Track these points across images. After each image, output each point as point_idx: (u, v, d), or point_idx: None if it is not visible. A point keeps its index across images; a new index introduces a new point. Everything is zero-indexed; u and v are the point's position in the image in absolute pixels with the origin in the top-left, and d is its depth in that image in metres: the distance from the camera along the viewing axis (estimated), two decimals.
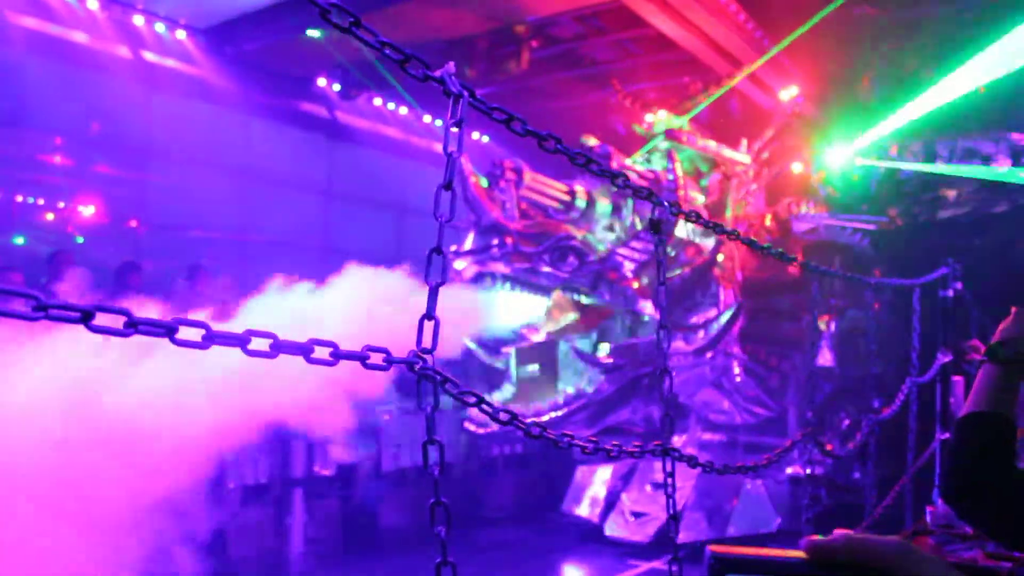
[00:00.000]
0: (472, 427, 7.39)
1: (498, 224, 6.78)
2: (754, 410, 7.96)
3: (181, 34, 9.37)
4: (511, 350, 7.74)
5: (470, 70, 9.26)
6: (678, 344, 7.47)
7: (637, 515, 7.99)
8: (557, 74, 10.29)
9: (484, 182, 7.56)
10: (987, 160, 7.62)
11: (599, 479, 8.54)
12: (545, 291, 7.21)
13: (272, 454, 7.66)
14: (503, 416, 1.78)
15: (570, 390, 7.40)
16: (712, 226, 2.80)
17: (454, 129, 1.62)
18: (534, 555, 7.89)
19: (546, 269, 7.00)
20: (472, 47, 9.34)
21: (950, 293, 5.92)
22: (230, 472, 7.25)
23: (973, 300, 6.15)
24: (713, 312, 7.76)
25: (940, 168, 8.11)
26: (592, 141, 7.74)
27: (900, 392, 5.82)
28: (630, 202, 7.79)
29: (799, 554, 0.70)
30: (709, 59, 8.89)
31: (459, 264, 6.77)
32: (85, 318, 1.20)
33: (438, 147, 1.76)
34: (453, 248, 6.84)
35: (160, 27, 9.22)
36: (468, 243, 6.86)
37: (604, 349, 7.55)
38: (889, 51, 9.06)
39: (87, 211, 9.80)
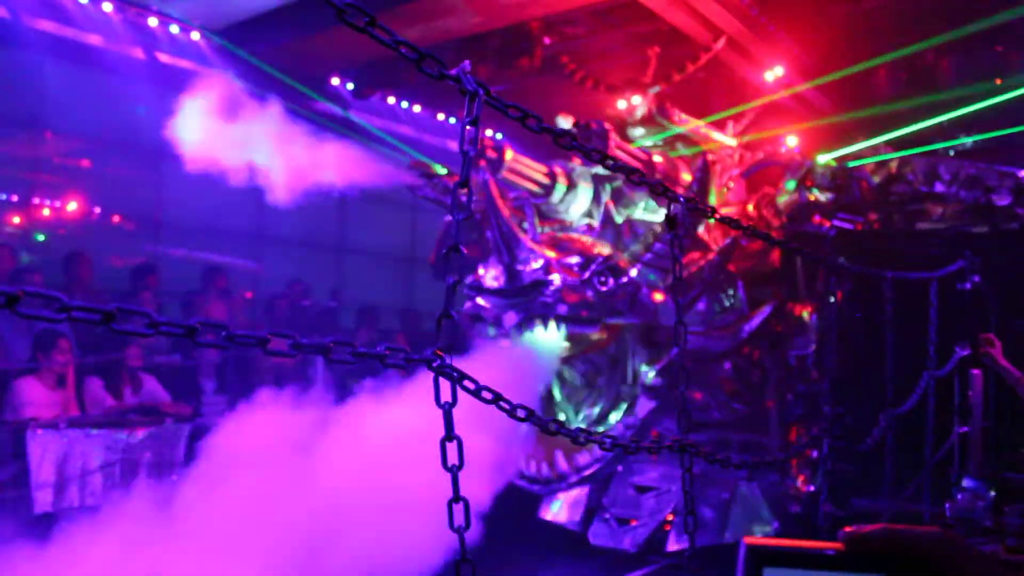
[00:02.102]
0: (526, 483, 6.15)
1: (544, 267, 5.87)
2: (733, 406, 7.41)
3: (195, 35, 9.41)
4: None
5: (482, 68, 9.22)
6: (702, 348, 6.71)
7: (622, 521, 7.41)
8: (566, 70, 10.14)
9: (441, 169, 7.18)
10: (988, 192, 7.36)
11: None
12: (594, 323, 6.20)
13: None
14: (521, 413, 1.78)
15: (614, 417, 6.55)
16: (732, 223, 2.79)
17: (469, 127, 1.62)
18: (516, 568, 6.91)
19: (591, 297, 6.05)
20: (483, 45, 9.30)
21: (968, 286, 5.88)
22: None
23: (992, 294, 6.10)
24: (735, 312, 7.16)
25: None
26: (566, 122, 6.97)
27: (917, 386, 5.79)
28: (608, 187, 7.20)
29: (836, 545, 0.70)
30: (698, 34, 8.55)
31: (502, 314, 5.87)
32: (106, 319, 1.21)
33: (453, 145, 1.76)
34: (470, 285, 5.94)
35: (174, 28, 9.26)
36: (490, 280, 5.91)
37: (651, 375, 6.55)
38: (909, 45, 8.83)
39: (102, 212, 9.87)
